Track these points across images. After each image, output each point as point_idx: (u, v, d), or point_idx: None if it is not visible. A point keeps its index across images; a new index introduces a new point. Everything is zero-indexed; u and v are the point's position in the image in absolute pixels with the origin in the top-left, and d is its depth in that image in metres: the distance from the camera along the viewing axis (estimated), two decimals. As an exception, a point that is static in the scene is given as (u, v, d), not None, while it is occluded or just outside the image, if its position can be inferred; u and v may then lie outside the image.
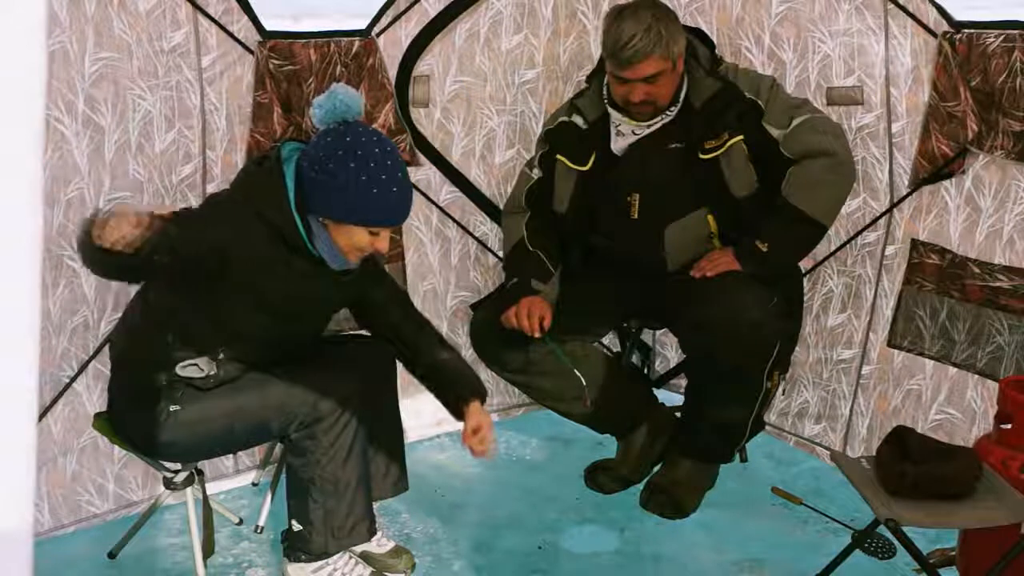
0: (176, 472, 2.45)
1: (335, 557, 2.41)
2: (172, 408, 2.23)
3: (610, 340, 3.36)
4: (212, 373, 2.25)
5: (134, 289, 2.38)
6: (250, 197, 2.20)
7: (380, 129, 3.01)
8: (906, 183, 2.88)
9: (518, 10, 3.26)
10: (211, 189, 2.76)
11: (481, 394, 2.50)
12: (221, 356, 2.25)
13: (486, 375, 3.40)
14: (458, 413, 2.48)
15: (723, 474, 2.98)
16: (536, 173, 2.95)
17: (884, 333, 2.98)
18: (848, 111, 2.94)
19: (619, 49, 2.58)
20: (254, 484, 3.02)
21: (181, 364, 2.23)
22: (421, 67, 3.13)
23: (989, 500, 2.10)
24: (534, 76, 3.35)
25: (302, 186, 2.17)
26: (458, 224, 3.34)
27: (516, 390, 3.19)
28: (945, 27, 2.69)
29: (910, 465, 2.12)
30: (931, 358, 2.88)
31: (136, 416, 2.29)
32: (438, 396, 2.53)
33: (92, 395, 2.67)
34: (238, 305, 2.21)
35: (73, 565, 2.59)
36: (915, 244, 2.88)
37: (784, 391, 3.24)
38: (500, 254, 3.30)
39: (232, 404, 2.27)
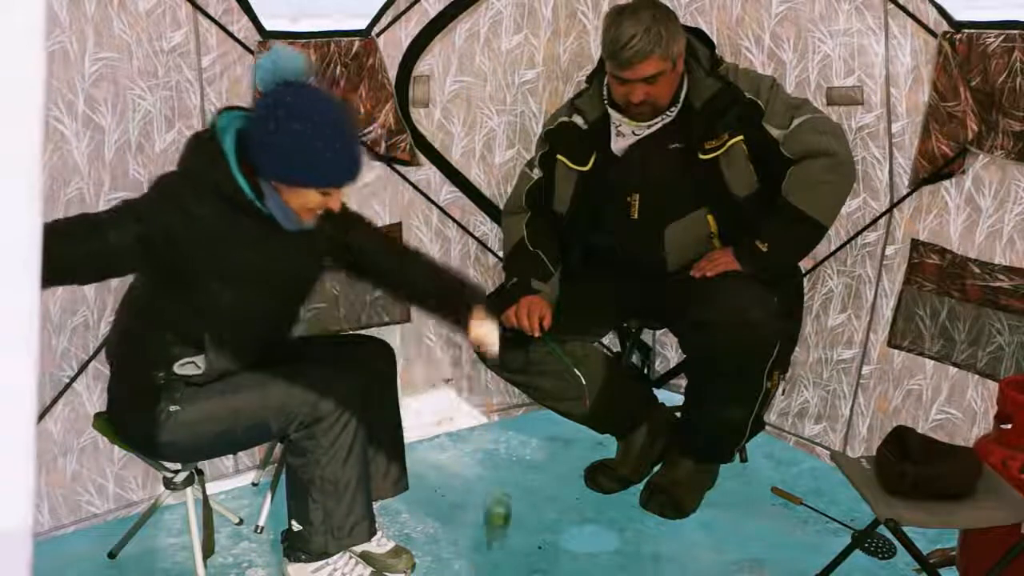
0: (176, 472, 2.45)
1: (335, 557, 2.41)
2: (172, 408, 2.23)
3: (610, 340, 3.36)
4: (208, 370, 2.25)
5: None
6: (189, 170, 2.17)
7: (380, 129, 3.02)
8: (906, 183, 2.88)
9: (518, 10, 3.26)
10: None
11: (478, 301, 2.45)
12: (210, 343, 2.23)
13: (486, 375, 3.42)
14: (464, 328, 2.44)
15: (723, 474, 2.98)
16: (536, 173, 2.95)
17: (884, 333, 2.98)
18: (848, 111, 2.94)
19: (619, 49, 2.58)
20: (254, 484, 3.02)
21: (179, 363, 2.23)
22: (421, 67, 3.13)
23: (989, 500, 2.10)
24: (534, 76, 3.35)
25: (248, 150, 2.14)
26: (458, 224, 3.34)
27: (516, 390, 3.19)
28: (945, 27, 2.69)
29: (910, 465, 2.12)
30: (931, 358, 2.87)
31: (136, 416, 2.29)
32: (440, 319, 2.54)
33: (92, 395, 2.67)
34: (210, 284, 2.18)
35: (73, 565, 2.59)
36: (915, 244, 2.88)
37: (784, 391, 3.24)
38: (500, 254, 3.30)
39: (232, 404, 2.27)
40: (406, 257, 2.55)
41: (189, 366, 2.24)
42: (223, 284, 2.19)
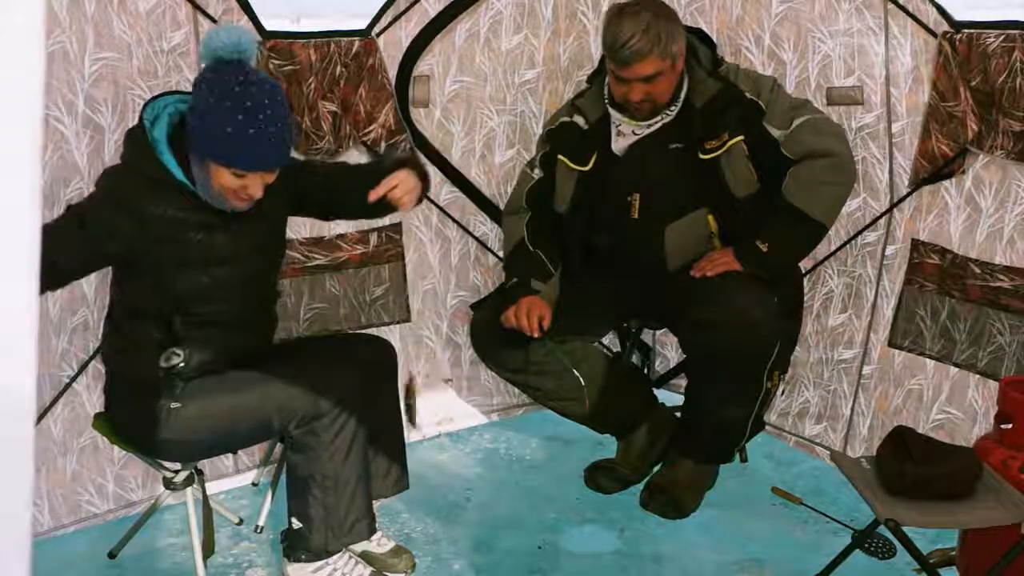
0: (176, 472, 2.45)
1: (335, 557, 2.41)
2: (173, 406, 2.23)
3: (610, 340, 3.36)
4: (189, 356, 2.23)
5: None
6: (126, 162, 2.18)
7: (380, 129, 3.02)
8: (906, 183, 2.88)
9: (518, 10, 3.26)
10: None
11: (405, 163, 2.37)
12: (177, 323, 2.22)
13: (486, 375, 3.42)
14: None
15: (723, 474, 2.98)
16: (537, 173, 2.95)
17: (885, 333, 2.98)
18: (848, 111, 2.94)
19: (618, 48, 2.58)
20: (254, 484, 3.02)
21: (164, 357, 2.23)
22: (421, 67, 3.13)
23: (989, 500, 2.10)
24: (534, 76, 3.35)
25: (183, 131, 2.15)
26: (458, 224, 3.34)
27: (516, 390, 3.19)
28: (945, 27, 2.69)
29: (910, 465, 2.12)
30: (932, 358, 2.87)
31: (136, 415, 2.29)
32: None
33: (92, 395, 2.67)
34: (167, 270, 2.18)
35: (73, 565, 2.59)
36: (915, 244, 2.88)
37: (784, 391, 3.24)
38: (500, 254, 3.30)
39: (233, 401, 2.27)
40: (354, 171, 2.50)
41: (172, 356, 2.23)
42: (179, 269, 2.19)
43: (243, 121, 2.06)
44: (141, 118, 2.18)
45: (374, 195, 2.29)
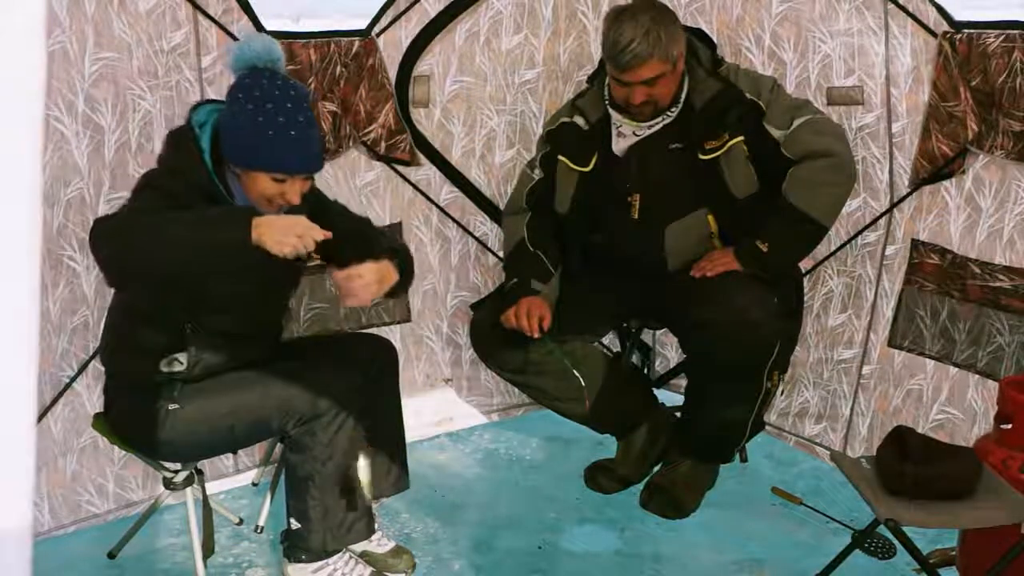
0: (176, 472, 2.45)
1: (335, 557, 2.41)
2: (171, 407, 2.23)
3: (610, 340, 3.37)
4: (193, 364, 2.23)
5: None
6: (172, 168, 2.16)
7: (380, 129, 3.02)
8: (906, 183, 2.88)
9: (518, 10, 3.26)
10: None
11: (394, 255, 2.31)
12: (188, 330, 2.22)
13: (486, 375, 3.42)
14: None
15: (723, 474, 2.98)
16: (537, 174, 2.95)
17: (885, 333, 2.98)
18: (848, 111, 2.94)
19: (618, 53, 2.58)
20: (254, 484, 3.02)
21: (164, 360, 2.23)
22: (421, 67, 3.13)
23: (989, 500, 2.10)
24: (534, 76, 3.35)
25: (218, 140, 2.15)
26: (458, 224, 3.34)
27: (516, 390, 3.19)
28: (945, 27, 2.69)
29: (910, 465, 2.12)
30: (932, 358, 2.88)
31: (135, 415, 2.29)
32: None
33: (92, 395, 2.67)
34: (198, 279, 2.14)
35: (73, 565, 2.59)
36: (915, 244, 2.88)
37: (784, 391, 3.24)
38: (500, 254, 3.30)
39: (232, 401, 2.26)
40: (349, 233, 2.40)
41: (174, 363, 2.23)
42: (205, 278, 2.16)
43: (284, 124, 2.08)
44: (190, 123, 2.17)
45: (338, 276, 2.21)
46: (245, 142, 2.10)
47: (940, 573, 2.23)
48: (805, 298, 3.05)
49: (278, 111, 2.09)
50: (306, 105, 2.14)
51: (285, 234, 1.96)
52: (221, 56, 2.72)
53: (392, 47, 3.05)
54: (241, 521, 2.80)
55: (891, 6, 2.79)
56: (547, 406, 3.01)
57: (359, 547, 2.49)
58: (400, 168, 3.15)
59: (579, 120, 2.86)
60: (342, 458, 2.31)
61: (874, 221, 2.97)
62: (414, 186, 3.21)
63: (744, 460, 3.07)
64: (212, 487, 2.77)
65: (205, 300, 2.22)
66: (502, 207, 3.21)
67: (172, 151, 2.19)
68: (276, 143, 2.09)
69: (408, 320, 3.31)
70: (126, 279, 2.07)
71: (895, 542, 2.24)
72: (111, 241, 1.96)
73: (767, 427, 3.14)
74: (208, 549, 2.45)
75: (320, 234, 2.01)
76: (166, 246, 1.94)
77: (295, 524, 2.38)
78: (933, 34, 2.71)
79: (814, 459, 3.18)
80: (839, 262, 3.09)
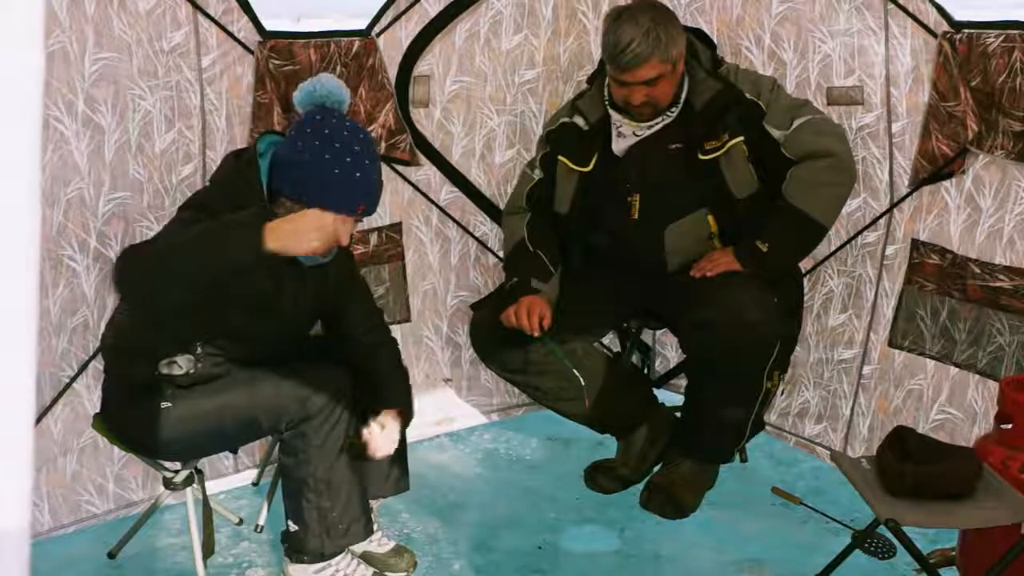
0: (176, 472, 2.45)
1: (337, 558, 2.41)
2: (164, 405, 2.22)
3: (610, 340, 3.36)
4: (192, 371, 2.23)
5: None
6: (226, 193, 2.16)
7: (380, 129, 3.02)
8: (906, 183, 2.88)
9: (518, 10, 3.26)
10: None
11: (400, 407, 2.44)
12: (200, 351, 2.23)
13: (486, 375, 3.42)
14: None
15: (723, 474, 2.98)
16: (537, 174, 2.95)
17: (885, 333, 2.98)
18: (848, 111, 2.94)
19: (618, 54, 2.58)
20: (254, 484, 3.02)
21: (164, 362, 2.23)
22: (421, 67, 3.13)
23: (989, 500, 2.10)
24: (534, 76, 3.35)
25: (273, 174, 2.15)
26: (458, 224, 3.34)
27: (516, 390, 3.19)
28: (945, 27, 2.69)
29: (910, 465, 2.12)
30: (932, 358, 2.88)
31: (129, 414, 2.29)
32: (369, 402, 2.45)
33: (92, 395, 2.67)
34: (213, 301, 2.13)
35: (73, 565, 2.59)
36: (915, 244, 2.88)
37: (784, 391, 3.24)
38: (500, 254, 3.30)
39: (222, 401, 2.25)
40: (378, 353, 2.51)
41: (173, 366, 2.23)
42: (230, 308, 2.18)
43: (351, 164, 2.10)
44: (255, 152, 2.18)
45: (369, 435, 2.34)
46: (311, 178, 2.10)
47: (940, 573, 2.23)
48: (805, 298, 3.06)
49: (346, 151, 2.10)
50: (372, 149, 2.16)
51: (302, 233, 2.01)
52: (222, 56, 2.73)
53: (392, 47, 3.05)
54: (241, 521, 2.80)
55: (891, 6, 2.80)
56: (547, 406, 3.01)
57: (359, 547, 2.49)
58: (400, 168, 3.15)
59: (579, 120, 2.86)
60: (334, 460, 2.30)
61: (874, 221, 2.97)
62: (414, 186, 3.21)
63: (744, 460, 3.07)
64: (212, 487, 2.76)
65: (227, 330, 2.23)
66: (502, 207, 3.21)
67: (233, 174, 2.20)
68: (342, 182, 2.10)
69: (408, 320, 3.31)
70: (149, 313, 2.18)
71: (895, 542, 2.23)
72: (122, 283, 2.02)
73: (767, 427, 3.14)
74: (208, 549, 2.45)
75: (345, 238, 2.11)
76: (176, 279, 1.96)
77: (292, 526, 2.38)
78: (933, 34, 2.71)
79: (814, 459, 3.18)
80: (839, 262, 3.09)
